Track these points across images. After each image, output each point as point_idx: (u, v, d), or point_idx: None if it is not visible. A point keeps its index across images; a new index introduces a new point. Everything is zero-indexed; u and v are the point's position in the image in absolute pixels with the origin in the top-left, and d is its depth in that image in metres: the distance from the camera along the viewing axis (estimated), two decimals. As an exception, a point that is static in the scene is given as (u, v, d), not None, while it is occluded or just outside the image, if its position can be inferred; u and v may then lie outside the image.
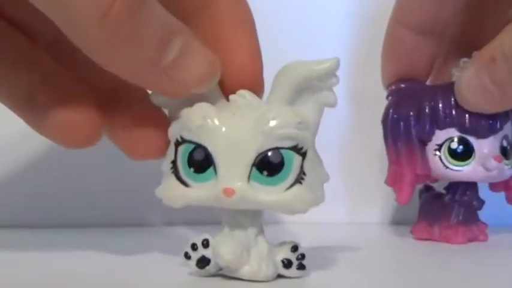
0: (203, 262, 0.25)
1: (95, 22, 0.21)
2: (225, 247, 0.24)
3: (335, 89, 0.24)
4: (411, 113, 0.34)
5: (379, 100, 0.36)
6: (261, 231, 0.25)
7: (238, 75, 0.25)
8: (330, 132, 0.41)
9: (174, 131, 0.25)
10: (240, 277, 0.24)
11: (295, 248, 0.25)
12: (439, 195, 0.36)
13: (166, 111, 0.26)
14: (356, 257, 0.31)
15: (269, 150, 0.23)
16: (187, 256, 0.25)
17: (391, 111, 0.35)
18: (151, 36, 0.22)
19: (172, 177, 0.24)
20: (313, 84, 0.24)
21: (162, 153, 0.25)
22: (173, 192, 0.24)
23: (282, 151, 0.24)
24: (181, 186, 0.24)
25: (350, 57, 0.42)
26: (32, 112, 0.26)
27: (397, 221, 0.43)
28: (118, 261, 0.29)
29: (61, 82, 0.26)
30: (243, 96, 0.25)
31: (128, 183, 0.40)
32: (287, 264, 0.25)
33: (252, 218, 0.25)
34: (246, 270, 0.24)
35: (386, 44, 0.36)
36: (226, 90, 0.25)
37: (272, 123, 0.23)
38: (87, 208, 0.40)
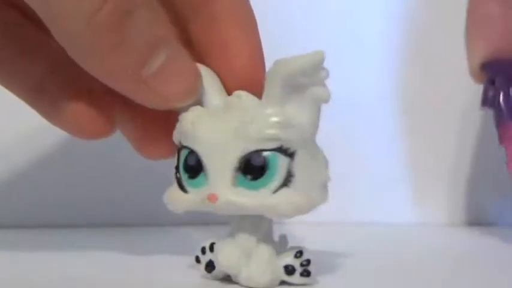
0: (210, 266, 0.25)
1: (81, 23, 0.21)
2: (223, 252, 0.24)
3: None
4: None
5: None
6: (265, 236, 0.24)
7: (239, 77, 0.25)
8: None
9: (176, 136, 0.25)
10: (239, 283, 0.24)
11: (300, 254, 0.24)
12: None
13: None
14: (377, 262, 0.29)
15: (251, 153, 0.23)
16: (197, 260, 0.25)
17: (502, 92, 0.32)
18: (136, 45, 0.23)
19: (175, 183, 0.25)
20: (302, 81, 0.23)
21: (172, 153, 0.25)
22: (174, 198, 0.25)
23: (266, 153, 0.23)
24: (180, 192, 0.24)
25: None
26: (43, 102, 0.26)
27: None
28: (126, 261, 0.29)
29: (70, 72, 0.25)
30: (239, 97, 0.24)
31: (135, 181, 0.40)
32: (290, 270, 0.24)
33: (254, 222, 0.24)
34: (243, 276, 0.24)
35: (471, 23, 0.33)
36: (228, 92, 0.25)
37: (249, 125, 0.23)
38: (91, 208, 0.40)
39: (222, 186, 0.23)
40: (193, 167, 0.24)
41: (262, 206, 0.23)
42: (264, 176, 0.23)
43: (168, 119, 0.26)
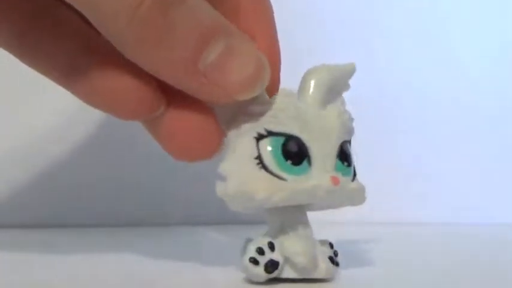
0: (272, 266, 0.23)
1: (123, 20, 0.20)
2: (300, 249, 0.23)
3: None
4: None
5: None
6: None
7: None
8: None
9: (251, 125, 0.23)
10: (315, 277, 0.24)
11: (331, 245, 0.25)
12: None
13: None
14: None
15: (344, 142, 0.24)
16: (254, 261, 0.23)
17: None
18: (187, 36, 0.21)
19: (262, 172, 0.23)
20: (344, 87, 0.25)
21: (213, 154, 0.23)
22: (272, 188, 0.22)
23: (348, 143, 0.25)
24: (278, 180, 0.23)
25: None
26: (80, 83, 0.24)
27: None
28: (126, 261, 0.29)
29: (104, 50, 0.23)
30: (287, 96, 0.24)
31: (135, 182, 0.40)
32: (332, 260, 0.24)
33: (305, 214, 0.24)
34: (322, 269, 0.24)
35: None
36: None
37: (345, 116, 0.24)
38: (91, 208, 0.41)
39: (332, 172, 0.23)
40: (297, 153, 0.23)
41: (359, 191, 0.24)
42: (352, 164, 0.24)
43: (207, 112, 0.23)
